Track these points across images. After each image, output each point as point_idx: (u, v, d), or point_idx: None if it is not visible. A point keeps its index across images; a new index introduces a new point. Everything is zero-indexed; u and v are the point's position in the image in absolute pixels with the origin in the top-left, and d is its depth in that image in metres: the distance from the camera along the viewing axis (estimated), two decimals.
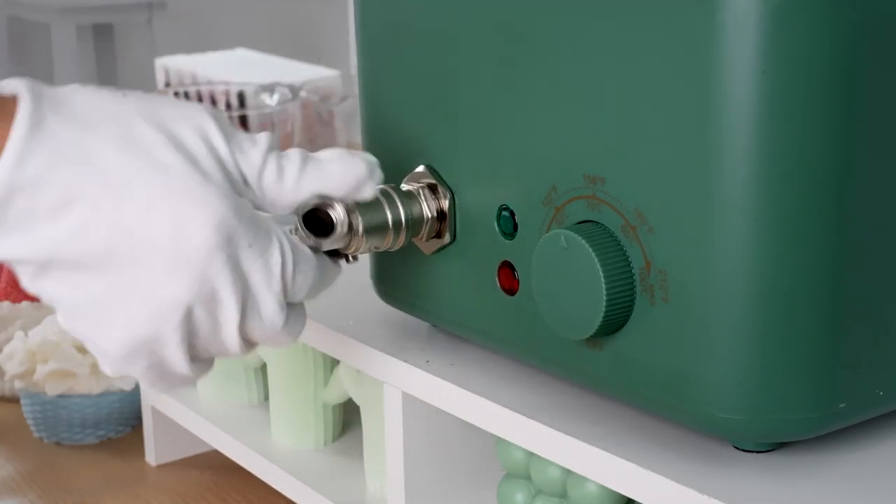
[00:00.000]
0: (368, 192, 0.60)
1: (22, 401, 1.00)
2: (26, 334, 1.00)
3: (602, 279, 0.54)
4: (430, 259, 0.67)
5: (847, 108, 0.51)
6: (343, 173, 0.59)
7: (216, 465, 0.95)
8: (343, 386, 0.81)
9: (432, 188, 0.65)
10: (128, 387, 0.97)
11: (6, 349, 1.00)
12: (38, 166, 0.52)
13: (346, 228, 0.62)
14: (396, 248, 0.65)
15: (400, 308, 0.71)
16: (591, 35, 0.55)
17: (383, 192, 0.65)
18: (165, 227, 0.53)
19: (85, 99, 0.55)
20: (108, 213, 0.53)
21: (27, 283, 0.55)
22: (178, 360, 0.56)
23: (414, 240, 0.66)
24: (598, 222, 0.56)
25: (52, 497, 0.91)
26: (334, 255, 0.62)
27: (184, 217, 0.54)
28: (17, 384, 0.98)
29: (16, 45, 3.81)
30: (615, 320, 0.55)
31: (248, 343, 0.58)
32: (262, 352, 0.86)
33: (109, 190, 0.53)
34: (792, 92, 0.50)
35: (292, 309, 0.58)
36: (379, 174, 0.60)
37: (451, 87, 0.63)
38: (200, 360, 0.58)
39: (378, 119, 0.69)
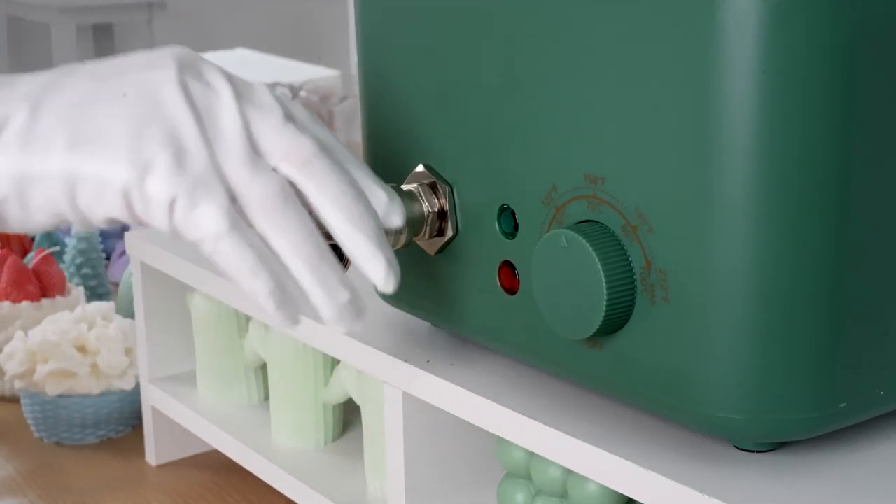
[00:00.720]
0: (397, 220, 0.59)
1: (22, 401, 1.00)
2: (26, 334, 1.00)
3: (602, 279, 0.54)
4: (431, 259, 0.67)
5: (847, 108, 0.51)
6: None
7: (216, 465, 0.95)
8: (343, 386, 0.81)
9: (433, 187, 0.65)
10: (128, 387, 0.97)
11: (6, 349, 1.00)
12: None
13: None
14: (397, 247, 0.65)
15: (400, 308, 0.71)
16: (592, 34, 0.55)
17: None
18: (134, 54, 0.56)
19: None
20: (82, 69, 0.55)
21: (15, 152, 0.52)
22: (191, 134, 0.53)
23: (415, 239, 0.66)
24: (598, 222, 0.56)
25: (52, 497, 0.91)
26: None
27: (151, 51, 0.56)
28: (17, 384, 0.98)
29: (16, 45, 3.81)
30: (615, 320, 0.55)
31: (261, 161, 0.54)
32: (263, 351, 0.86)
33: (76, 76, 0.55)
34: (792, 92, 0.50)
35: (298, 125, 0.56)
36: (398, 202, 0.59)
37: (452, 86, 0.63)
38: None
39: (378, 119, 0.69)
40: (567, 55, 0.56)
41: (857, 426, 0.58)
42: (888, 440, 0.58)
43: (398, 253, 0.67)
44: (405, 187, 0.66)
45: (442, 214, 0.65)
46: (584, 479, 0.62)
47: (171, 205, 0.52)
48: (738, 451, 0.57)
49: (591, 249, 0.55)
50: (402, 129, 0.67)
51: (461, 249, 0.65)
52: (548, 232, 0.58)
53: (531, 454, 0.65)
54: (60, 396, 0.97)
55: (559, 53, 0.57)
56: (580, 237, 0.55)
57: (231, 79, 0.55)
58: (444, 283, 0.66)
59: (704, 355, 0.53)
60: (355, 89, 0.71)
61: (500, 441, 0.66)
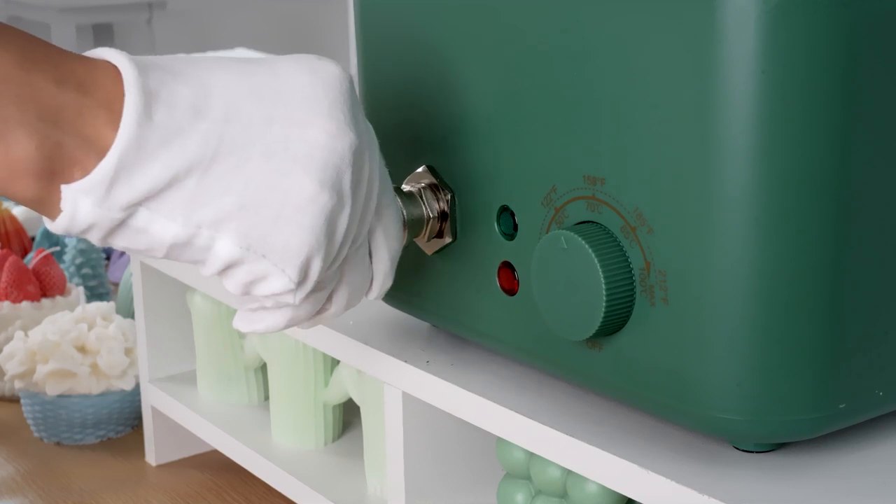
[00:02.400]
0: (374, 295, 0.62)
1: (22, 401, 1.00)
2: (26, 334, 1.00)
3: (602, 280, 0.54)
4: (431, 259, 0.67)
5: (847, 107, 0.51)
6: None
7: (216, 465, 0.95)
8: (343, 386, 0.81)
9: (433, 188, 0.65)
10: (128, 387, 0.97)
11: (6, 349, 1.00)
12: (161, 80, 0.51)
13: None
14: None
15: (400, 308, 0.71)
16: (591, 35, 0.55)
17: None
18: (304, 78, 0.53)
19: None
20: (245, 91, 0.53)
21: (181, 224, 0.52)
22: (340, 235, 0.54)
23: (415, 240, 0.66)
24: (597, 223, 0.56)
25: (52, 497, 0.91)
26: None
27: (313, 63, 0.54)
28: (17, 384, 0.98)
29: None
30: (615, 321, 0.55)
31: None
32: (263, 352, 0.86)
33: (232, 76, 0.53)
34: (792, 92, 0.50)
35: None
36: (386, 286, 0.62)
37: (451, 87, 0.63)
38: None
39: (378, 119, 0.69)
40: (567, 56, 0.56)
41: (857, 426, 0.58)
42: (888, 440, 0.58)
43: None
44: (405, 188, 0.66)
45: (442, 216, 0.65)
46: (584, 479, 0.62)
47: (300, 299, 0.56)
48: (738, 451, 0.57)
49: (590, 250, 0.55)
50: (402, 129, 0.67)
51: (461, 250, 0.65)
52: (547, 233, 0.58)
53: (531, 454, 0.65)
54: (60, 396, 0.97)
55: (559, 54, 0.57)
56: (579, 238, 0.55)
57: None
58: (444, 283, 0.66)
59: (704, 356, 0.53)
60: (355, 89, 0.71)
61: (500, 441, 0.66)
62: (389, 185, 0.60)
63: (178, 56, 0.53)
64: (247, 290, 0.54)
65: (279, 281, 0.54)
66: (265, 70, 0.53)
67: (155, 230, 0.51)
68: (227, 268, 0.54)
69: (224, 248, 0.52)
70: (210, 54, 0.55)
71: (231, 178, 0.52)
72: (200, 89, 0.52)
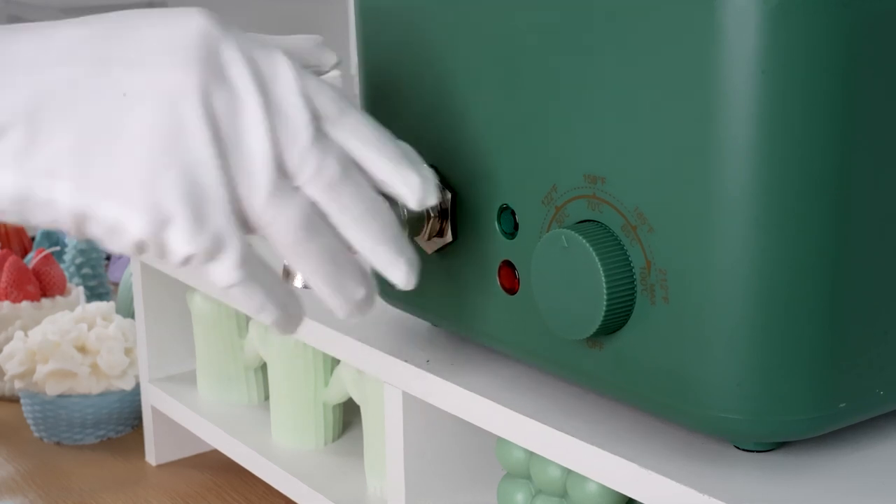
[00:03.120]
0: (431, 201, 0.55)
1: (22, 401, 1.00)
2: (26, 334, 1.00)
3: (602, 279, 0.54)
4: (431, 258, 0.67)
5: (847, 107, 0.51)
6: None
7: (216, 465, 0.95)
8: (343, 386, 0.81)
9: None
10: (128, 387, 0.97)
11: (6, 349, 1.00)
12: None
13: None
14: None
15: (400, 308, 0.71)
16: (592, 34, 0.55)
17: (384, 192, 0.65)
18: (153, 22, 0.51)
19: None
20: (87, 35, 0.50)
21: (16, 173, 0.49)
22: (212, 177, 0.50)
23: (415, 239, 0.66)
24: (598, 222, 0.56)
25: (52, 497, 0.91)
26: None
27: (171, 14, 0.51)
28: (17, 384, 0.98)
29: None
30: (615, 320, 0.55)
31: (285, 189, 0.51)
32: (263, 351, 0.86)
33: (82, 27, 0.51)
34: (792, 92, 0.50)
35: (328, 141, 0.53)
36: (432, 183, 0.55)
37: (451, 86, 0.63)
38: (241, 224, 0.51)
39: (378, 119, 0.69)
40: (567, 56, 0.56)
41: (857, 426, 0.58)
42: (888, 440, 0.58)
43: None
44: None
45: (443, 215, 0.65)
46: (584, 479, 0.62)
47: (187, 258, 0.50)
48: (738, 451, 0.57)
49: (591, 249, 0.55)
50: (401, 129, 0.67)
51: (461, 249, 0.65)
52: (548, 232, 0.58)
53: (531, 454, 0.65)
54: (60, 396, 0.97)
55: (559, 54, 0.57)
56: (580, 237, 0.55)
57: (256, 74, 0.51)
58: (444, 282, 0.66)
59: (704, 355, 0.53)
60: (355, 89, 0.71)
61: (500, 441, 0.66)
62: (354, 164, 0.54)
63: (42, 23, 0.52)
64: (123, 247, 0.50)
65: (133, 221, 0.49)
66: (119, 19, 0.51)
67: None
68: (80, 222, 0.49)
69: (63, 196, 0.49)
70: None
71: (60, 122, 0.49)
72: (44, 37, 0.50)
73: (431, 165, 0.65)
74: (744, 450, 0.56)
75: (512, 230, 0.61)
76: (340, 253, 0.53)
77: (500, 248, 0.62)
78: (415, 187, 0.54)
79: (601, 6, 0.54)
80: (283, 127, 0.51)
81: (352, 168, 0.53)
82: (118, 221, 0.49)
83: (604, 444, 0.57)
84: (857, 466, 0.56)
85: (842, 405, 0.54)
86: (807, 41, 0.49)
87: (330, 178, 0.52)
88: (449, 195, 0.65)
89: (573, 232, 0.56)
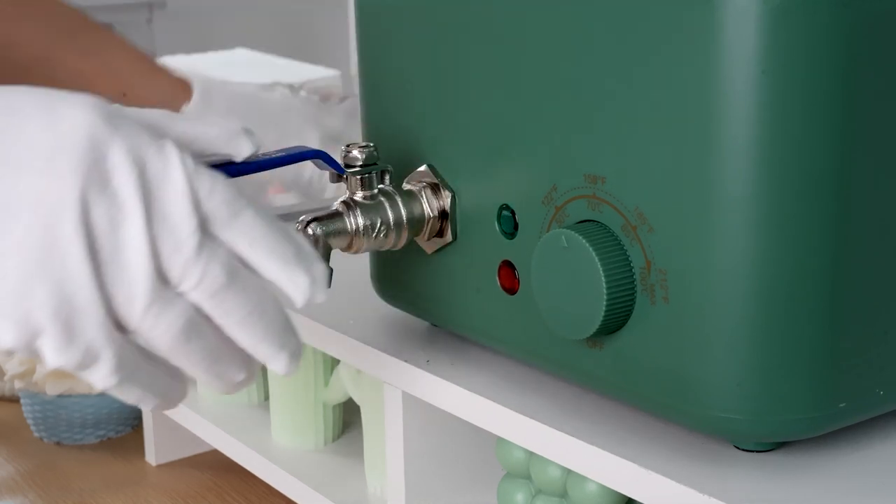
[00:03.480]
0: (320, 298, 0.54)
1: (22, 401, 1.00)
2: None
3: (602, 278, 0.54)
4: (431, 259, 0.67)
5: (847, 107, 0.51)
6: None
7: (216, 465, 0.95)
8: (343, 386, 0.81)
9: (434, 188, 0.65)
10: None
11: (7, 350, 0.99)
12: None
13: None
14: (398, 247, 0.65)
15: (400, 308, 0.71)
16: (592, 35, 0.55)
17: (385, 193, 0.65)
18: (37, 121, 0.48)
19: None
20: None
21: None
22: (86, 293, 0.48)
23: (415, 239, 0.66)
24: (598, 222, 0.56)
25: (52, 497, 0.91)
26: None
27: (57, 110, 0.49)
28: (17, 384, 0.98)
29: None
30: (615, 320, 0.55)
31: (166, 298, 0.50)
32: None
33: None
34: (792, 92, 0.50)
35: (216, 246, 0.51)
36: (322, 279, 0.54)
37: (452, 86, 0.63)
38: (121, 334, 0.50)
39: (378, 119, 0.69)
40: (567, 55, 0.56)
41: (857, 426, 0.58)
42: (888, 440, 0.58)
43: (398, 252, 0.67)
44: (406, 187, 0.66)
45: (443, 215, 0.65)
46: (584, 479, 0.62)
47: (60, 367, 0.50)
48: (738, 451, 0.57)
49: (591, 249, 0.55)
50: (402, 129, 0.67)
51: (461, 249, 0.65)
52: (548, 232, 0.58)
53: (531, 454, 0.65)
54: (60, 396, 0.97)
55: (559, 53, 0.57)
56: (580, 237, 0.55)
57: (143, 180, 0.49)
58: (444, 283, 0.66)
59: (704, 355, 0.53)
60: (355, 89, 0.71)
61: (500, 441, 0.66)
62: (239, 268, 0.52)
63: None
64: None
65: (4, 333, 0.48)
66: (4, 105, 0.49)
67: None
68: None
69: None
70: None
71: None
72: None
73: (430, 166, 0.65)
74: (744, 450, 0.56)
75: (512, 230, 0.61)
76: (222, 348, 0.53)
77: (500, 248, 0.62)
78: (302, 288, 0.53)
79: (601, 6, 0.54)
80: (166, 236, 0.50)
81: (238, 271, 0.52)
82: None
83: (604, 444, 0.57)
84: (857, 466, 0.56)
85: (842, 405, 0.54)
86: (807, 41, 0.49)
87: (214, 286, 0.51)
88: (449, 195, 0.65)
89: (573, 232, 0.56)
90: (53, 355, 0.49)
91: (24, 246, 0.48)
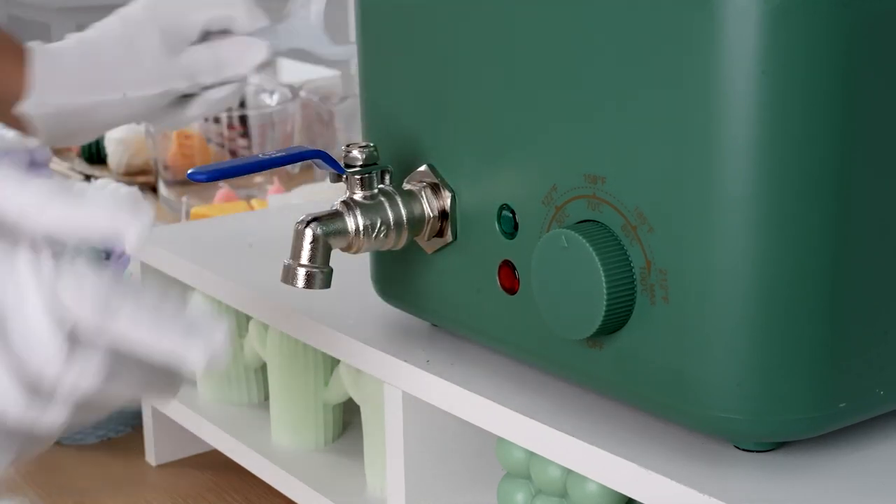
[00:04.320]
0: (220, 363, 0.51)
1: None
2: None
3: (603, 278, 0.54)
4: (431, 259, 0.67)
5: (847, 107, 0.51)
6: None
7: (216, 465, 0.95)
8: (343, 386, 0.81)
9: (434, 188, 0.65)
10: None
11: None
12: None
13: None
14: (398, 247, 0.65)
15: (400, 308, 0.71)
16: (592, 35, 0.55)
17: (385, 192, 0.65)
18: None
19: None
20: None
21: None
22: None
23: (415, 239, 0.66)
24: (598, 222, 0.56)
25: (52, 497, 0.91)
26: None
27: None
28: None
29: None
30: (615, 320, 0.55)
31: (37, 402, 0.48)
32: (263, 351, 0.86)
33: None
34: (792, 92, 0.50)
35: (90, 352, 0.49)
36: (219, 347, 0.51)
37: (452, 86, 0.63)
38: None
39: (379, 119, 0.69)
40: (567, 55, 0.56)
41: (857, 426, 0.58)
42: (888, 440, 0.58)
43: (398, 252, 0.67)
44: (406, 187, 0.66)
45: (443, 215, 0.65)
46: (584, 479, 0.62)
47: None
48: (738, 451, 0.57)
49: (591, 249, 0.55)
50: (402, 129, 0.67)
51: (461, 249, 0.65)
52: (548, 232, 0.58)
53: (531, 454, 0.65)
54: None
55: (559, 54, 0.57)
56: (580, 237, 0.55)
57: None
58: (445, 282, 0.66)
59: (704, 355, 0.53)
60: (355, 89, 0.71)
61: (500, 441, 0.66)
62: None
63: None
64: None
65: None
66: None
67: None
68: None
69: None
70: None
71: None
72: None
73: (430, 165, 0.65)
74: (744, 450, 0.56)
75: (512, 230, 0.61)
76: (142, 381, 0.51)
77: (501, 248, 0.62)
78: (198, 360, 0.50)
79: (602, 6, 0.54)
80: (33, 354, 0.48)
81: (123, 356, 0.50)
82: None
83: (604, 444, 0.57)
84: (857, 466, 0.56)
85: (842, 405, 0.54)
86: (807, 41, 0.49)
87: (90, 389, 0.49)
88: (449, 195, 0.65)
89: (573, 232, 0.56)
90: None
91: None
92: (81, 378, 0.49)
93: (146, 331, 0.49)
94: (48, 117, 0.83)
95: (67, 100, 0.84)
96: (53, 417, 0.49)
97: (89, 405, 0.51)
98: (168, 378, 0.52)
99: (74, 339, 0.48)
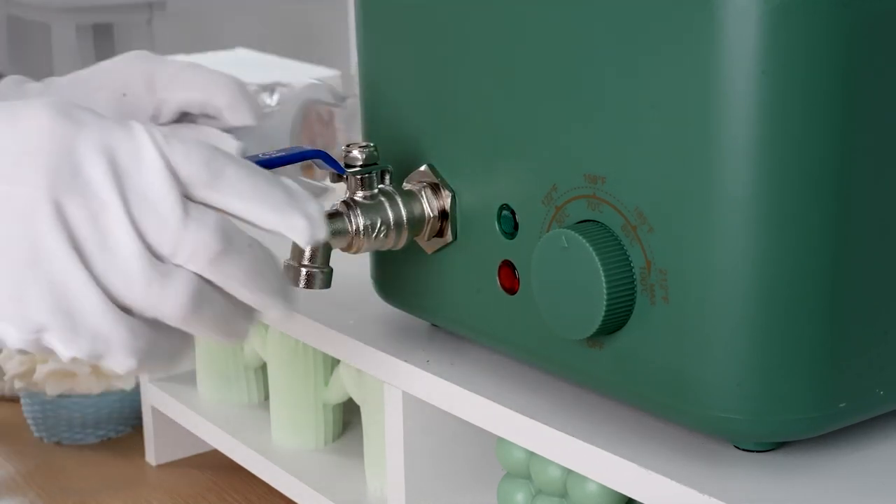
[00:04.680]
0: (320, 235, 0.54)
1: (22, 401, 1.00)
2: None
3: (602, 278, 0.54)
4: (431, 259, 0.67)
5: (847, 107, 0.51)
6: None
7: (216, 465, 0.95)
8: (343, 386, 0.81)
9: (434, 187, 0.65)
10: (128, 387, 0.97)
11: (6, 349, 1.00)
12: None
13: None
14: (398, 247, 0.65)
15: (400, 308, 0.71)
16: (592, 35, 0.55)
17: (385, 193, 0.65)
18: (2, 129, 0.49)
19: None
20: None
21: None
22: (78, 283, 0.49)
23: (415, 239, 0.66)
24: (598, 222, 0.56)
25: (52, 497, 0.91)
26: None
27: (20, 116, 0.49)
28: (17, 384, 0.98)
29: (16, 45, 3.81)
30: (615, 320, 0.55)
31: (165, 272, 0.50)
32: (263, 351, 0.86)
33: None
34: (792, 92, 0.50)
35: (207, 215, 0.51)
36: (319, 220, 0.53)
37: (452, 86, 0.63)
38: (127, 312, 0.50)
39: (379, 119, 0.69)
40: (567, 55, 0.56)
41: (857, 426, 0.58)
42: (888, 440, 0.58)
43: (398, 252, 0.67)
44: (406, 187, 0.66)
45: (443, 215, 0.65)
46: (584, 479, 0.62)
47: (74, 357, 0.50)
48: (738, 451, 0.57)
49: (591, 249, 0.55)
50: (402, 129, 0.67)
51: (461, 249, 0.65)
52: (548, 232, 0.58)
53: (531, 454, 0.65)
54: (60, 396, 0.97)
55: (559, 53, 0.57)
56: (580, 237, 0.55)
57: (114, 166, 0.49)
58: (444, 283, 0.66)
59: (704, 355, 0.53)
60: (355, 89, 0.71)
61: (500, 441, 0.66)
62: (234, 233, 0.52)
63: None
64: (10, 348, 0.51)
65: (10, 335, 0.49)
66: None
67: None
68: None
69: None
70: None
71: None
72: None
73: (430, 165, 0.65)
74: (744, 450, 0.56)
75: (512, 230, 0.61)
76: (228, 306, 0.53)
77: (500, 248, 0.62)
78: (301, 230, 0.53)
79: (602, 6, 0.54)
80: (149, 215, 0.50)
81: (232, 232, 0.52)
82: None
83: (604, 444, 0.57)
84: (857, 466, 0.56)
85: (842, 405, 0.54)
86: (807, 41, 0.49)
87: (209, 254, 0.51)
88: (449, 195, 0.65)
89: (573, 232, 0.56)
90: (63, 348, 0.49)
91: (9, 249, 0.48)
92: (195, 248, 0.50)
93: (249, 194, 0.52)
94: None
95: None
96: (176, 291, 0.50)
97: (174, 335, 0.52)
98: (245, 314, 0.54)
99: (186, 204, 0.50)
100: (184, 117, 0.67)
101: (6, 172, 0.49)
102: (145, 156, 0.50)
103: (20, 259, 0.48)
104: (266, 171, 0.53)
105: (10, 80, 0.73)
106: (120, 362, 0.51)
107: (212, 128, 0.66)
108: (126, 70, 0.67)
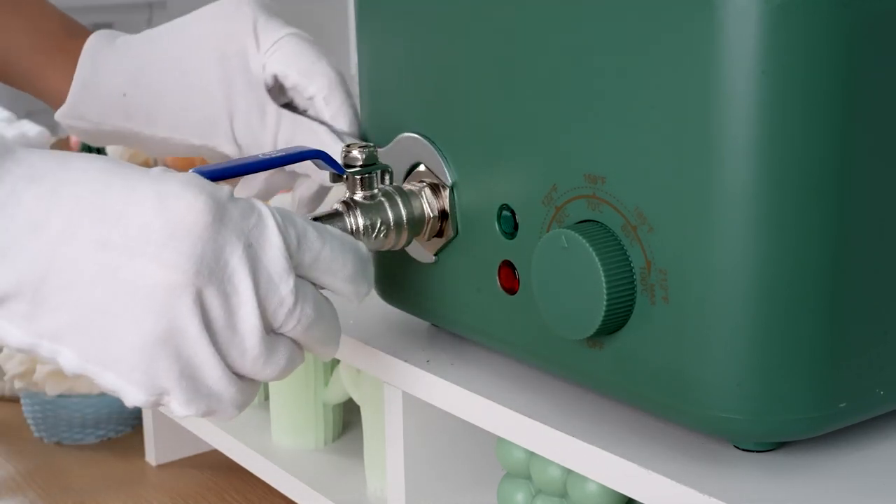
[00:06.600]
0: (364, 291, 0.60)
1: (22, 401, 1.00)
2: None
3: (602, 278, 0.54)
4: (431, 259, 0.67)
5: (847, 107, 0.51)
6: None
7: (216, 465, 0.95)
8: (343, 386, 0.81)
9: (434, 187, 0.65)
10: None
11: (6, 349, 1.00)
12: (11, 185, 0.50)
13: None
14: (399, 247, 0.65)
15: (400, 308, 0.71)
16: (592, 35, 0.55)
17: (385, 193, 0.65)
18: (149, 206, 0.51)
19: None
20: (89, 209, 0.51)
21: (24, 332, 0.52)
22: (205, 357, 0.53)
23: (416, 239, 0.66)
24: (598, 222, 0.56)
25: (52, 497, 0.91)
26: None
27: (168, 195, 0.52)
28: (17, 384, 0.98)
29: None
30: (615, 320, 0.55)
31: (272, 344, 0.55)
32: None
33: (85, 191, 0.51)
34: (792, 92, 0.50)
35: (311, 293, 0.57)
36: (366, 282, 0.60)
37: (452, 86, 0.63)
38: (236, 375, 0.55)
39: (378, 119, 0.69)
40: (567, 55, 0.56)
41: (857, 426, 0.58)
42: (888, 440, 0.58)
43: (398, 252, 0.67)
44: (406, 187, 0.66)
45: (443, 215, 0.65)
46: (584, 479, 0.62)
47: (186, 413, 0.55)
48: (738, 451, 0.57)
49: (591, 249, 0.55)
50: (402, 128, 0.67)
51: (461, 249, 0.65)
52: (548, 232, 0.58)
53: (531, 454, 0.65)
54: (60, 396, 0.97)
55: (559, 53, 0.57)
56: (580, 237, 0.55)
57: (249, 252, 0.53)
58: (444, 283, 0.66)
59: (704, 355, 0.53)
60: (355, 89, 0.71)
61: (500, 441, 0.66)
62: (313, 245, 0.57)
63: (55, 153, 0.52)
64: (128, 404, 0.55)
65: (132, 394, 0.53)
66: (119, 188, 0.52)
67: (2, 334, 0.52)
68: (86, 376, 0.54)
69: (67, 361, 0.53)
70: (84, 156, 0.53)
71: (62, 297, 0.51)
72: (47, 201, 0.51)
73: (429, 166, 0.65)
74: (744, 450, 0.56)
75: (512, 230, 0.61)
76: (300, 356, 0.59)
77: (500, 248, 0.62)
78: (363, 295, 0.60)
79: (601, 6, 0.54)
80: (272, 295, 0.55)
81: (320, 301, 0.57)
82: (120, 389, 0.53)
83: (604, 443, 0.57)
84: (857, 466, 0.56)
85: (842, 405, 0.54)
86: (807, 41, 0.49)
87: (306, 323, 0.56)
88: (449, 195, 0.64)
89: (573, 232, 0.56)
90: (181, 408, 0.54)
91: (145, 322, 0.52)
92: (299, 320, 0.56)
93: (338, 272, 0.58)
94: (83, 133, 0.77)
95: (103, 120, 0.76)
96: (278, 360, 0.56)
97: (256, 384, 0.57)
98: (337, 329, 0.60)
99: (297, 282, 0.55)
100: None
101: (154, 253, 0.51)
102: (273, 240, 0.54)
103: (155, 333, 0.52)
104: (346, 242, 0.58)
105: (102, 34, 0.77)
106: (228, 416, 0.56)
107: (325, 129, 0.72)
108: (231, 21, 0.73)
